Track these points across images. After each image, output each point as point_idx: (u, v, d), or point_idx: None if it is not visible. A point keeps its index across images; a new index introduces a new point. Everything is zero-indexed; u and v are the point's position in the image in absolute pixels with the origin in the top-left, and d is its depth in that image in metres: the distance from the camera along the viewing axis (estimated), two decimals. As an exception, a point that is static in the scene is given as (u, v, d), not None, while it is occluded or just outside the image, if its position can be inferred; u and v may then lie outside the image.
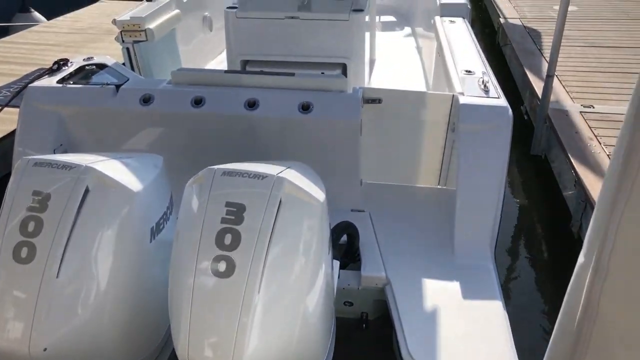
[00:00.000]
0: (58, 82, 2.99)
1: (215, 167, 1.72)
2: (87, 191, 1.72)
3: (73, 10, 6.43)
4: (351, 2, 4.37)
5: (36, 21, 6.36)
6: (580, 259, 1.04)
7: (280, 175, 1.70)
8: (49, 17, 6.26)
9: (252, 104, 2.78)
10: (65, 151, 2.92)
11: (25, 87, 2.98)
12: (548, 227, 4.44)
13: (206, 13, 5.33)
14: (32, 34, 5.60)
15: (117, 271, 1.78)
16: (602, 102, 4.92)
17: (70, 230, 1.66)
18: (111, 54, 4.59)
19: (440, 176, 3.10)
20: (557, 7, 7.22)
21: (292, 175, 1.75)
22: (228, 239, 1.59)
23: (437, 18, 4.26)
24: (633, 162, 0.85)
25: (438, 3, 4.48)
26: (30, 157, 1.79)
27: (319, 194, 1.78)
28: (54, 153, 2.85)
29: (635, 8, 8.18)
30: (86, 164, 1.77)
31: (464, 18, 4.24)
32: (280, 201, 1.64)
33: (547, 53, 5.67)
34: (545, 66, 5.25)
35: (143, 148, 2.95)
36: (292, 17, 4.24)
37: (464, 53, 3.46)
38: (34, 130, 2.91)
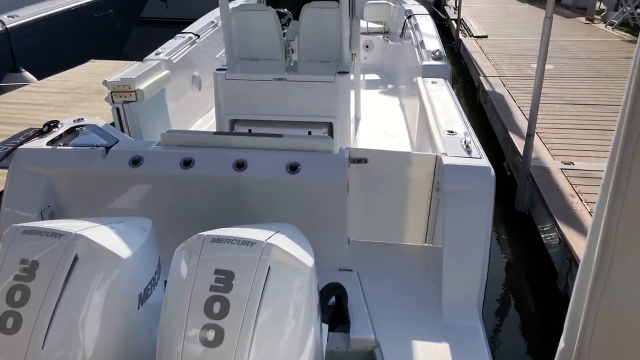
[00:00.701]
0: (48, 143, 3.01)
1: (205, 233, 1.74)
2: (76, 259, 1.72)
3: (64, 69, 6.55)
4: (336, 65, 4.52)
5: (27, 81, 6.46)
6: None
7: (269, 241, 1.71)
8: (39, 77, 6.36)
9: (240, 165, 2.81)
10: (52, 213, 2.91)
11: (14, 148, 2.99)
12: (535, 285, 4.45)
13: (195, 73, 5.46)
14: (22, 94, 5.67)
15: (104, 339, 1.75)
16: (582, 159, 5.06)
17: (57, 299, 1.65)
18: (101, 113, 4.66)
19: (426, 234, 3.13)
20: (534, 66, 7.51)
21: (281, 241, 1.77)
22: (217, 307, 1.59)
23: (419, 79, 4.41)
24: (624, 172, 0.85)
25: (420, 64, 4.64)
26: (19, 224, 1.79)
27: (308, 259, 1.80)
28: (41, 215, 2.84)
29: (607, 66, 8.55)
30: (76, 231, 1.77)
31: (445, 79, 4.39)
32: (269, 268, 1.65)
33: (526, 110, 5.84)
34: (525, 123, 5.40)
35: (132, 209, 2.95)
36: (280, 79, 4.35)
37: (445, 114, 3.56)
38: (22, 192, 2.91)
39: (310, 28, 4.74)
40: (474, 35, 11.45)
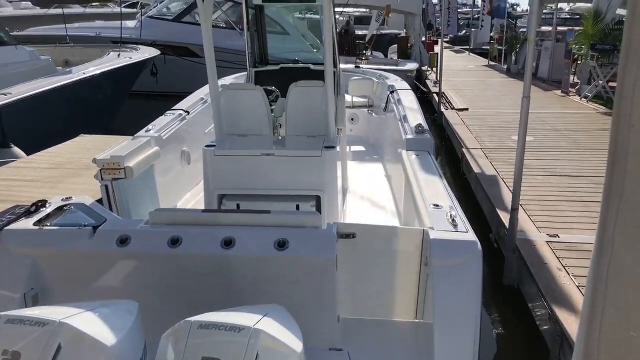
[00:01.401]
0: (35, 224, 2.99)
1: (192, 319, 1.72)
2: (59, 348, 1.68)
3: (54, 145, 6.61)
4: (323, 140, 4.62)
5: (16, 157, 6.49)
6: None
7: (256, 327, 1.70)
8: (29, 153, 6.41)
9: (228, 243, 2.81)
10: (36, 295, 2.85)
11: (0, 229, 2.97)
12: (528, 361, 4.38)
13: (185, 148, 5.55)
14: (10, 170, 5.69)
15: None
16: (567, 232, 5.12)
17: None
18: (90, 189, 4.67)
19: (417, 310, 3.11)
20: (515, 138, 7.73)
21: (269, 325, 1.75)
22: None
23: (404, 152, 4.52)
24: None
25: (404, 138, 4.77)
26: (2, 314, 1.76)
27: (296, 344, 1.78)
28: (24, 298, 2.78)
29: (585, 138, 8.83)
30: (60, 319, 1.75)
31: (429, 152, 4.49)
32: (258, 354, 1.63)
33: (509, 182, 5.97)
34: (509, 195, 5.51)
35: (119, 290, 2.90)
36: (268, 155, 4.43)
37: (431, 187, 3.62)
38: (6, 275, 2.86)
39: (297, 105, 4.88)
40: (456, 108, 11.84)
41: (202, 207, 4.64)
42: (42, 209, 3.19)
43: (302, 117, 4.87)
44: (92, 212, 3.17)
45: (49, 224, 3.01)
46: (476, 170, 7.20)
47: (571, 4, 32.20)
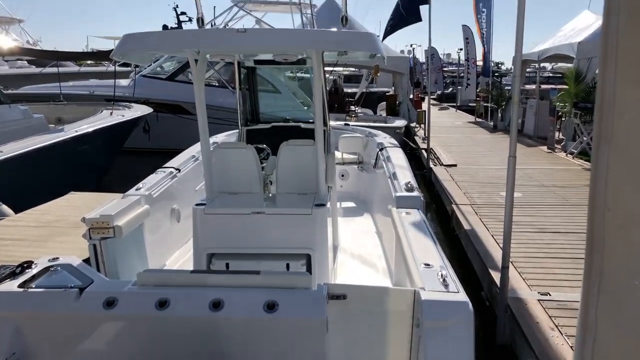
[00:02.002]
0: (19, 286, 2.95)
1: None
2: None
3: (43, 202, 6.58)
4: (313, 197, 4.65)
5: (4, 215, 6.43)
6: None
7: None
8: (17, 210, 6.37)
9: (217, 305, 2.78)
10: (17, 361, 2.77)
11: (-16, 291, 2.91)
12: None
13: (175, 205, 5.54)
14: (-3, 228, 5.65)
15: None
16: (557, 289, 5.11)
17: None
18: (78, 248, 4.62)
19: None
20: (503, 194, 7.78)
21: None
22: None
23: (394, 210, 4.54)
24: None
25: (393, 195, 4.81)
26: None
27: None
28: (5, 362, 2.71)
29: (572, 194, 8.94)
30: None
31: (418, 209, 4.52)
32: None
33: (499, 238, 5.98)
34: (499, 252, 5.50)
35: (104, 354, 2.84)
36: (258, 212, 4.44)
37: (421, 246, 3.63)
38: None
39: (287, 163, 4.94)
40: (444, 164, 12.01)
41: (191, 266, 4.60)
42: (27, 270, 3.15)
43: (292, 174, 4.92)
44: (78, 273, 3.13)
45: (33, 286, 2.97)
46: (466, 226, 7.23)
47: (553, 64, 33.35)
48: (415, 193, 4.79)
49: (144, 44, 3.93)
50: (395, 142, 7.77)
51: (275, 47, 4.03)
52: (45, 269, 3.17)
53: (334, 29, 4.41)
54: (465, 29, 23.96)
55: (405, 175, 5.43)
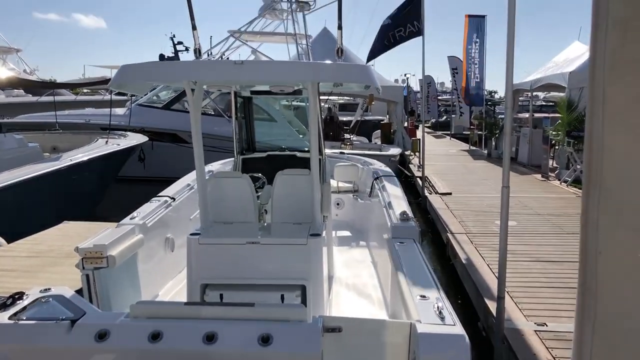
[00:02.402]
0: (10, 317, 2.91)
1: None
2: None
3: (36, 231, 6.54)
4: (309, 227, 4.64)
5: (-4, 245, 6.41)
6: None
7: None
8: (9, 240, 6.32)
9: (210, 338, 2.74)
10: (4, 396, 2.72)
11: (-25, 325, 2.87)
12: None
13: (169, 235, 5.51)
14: (-11, 258, 5.59)
15: None
16: (554, 320, 5.07)
17: None
18: (70, 278, 4.58)
19: None
20: (498, 222, 7.75)
21: None
22: None
23: (389, 240, 4.53)
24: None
25: (389, 225, 4.80)
26: None
27: None
28: (-9, 400, 2.65)
29: (567, 223, 8.95)
30: None
31: (414, 240, 4.51)
32: None
33: (495, 267, 5.96)
34: (495, 282, 5.47)
35: None
36: (253, 242, 4.42)
37: (417, 277, 3.61)
38: None
39: (283, 192, 4.94)
40: (439, 192, 12.04)
41: (185, 296, 4.55)
42: (18, 301, 3.11)
43: (287, 204, 4.92)
44: (70, 305, 3.09)
45: (24, 318, 2.93)
46: (461, 255, 7.21)
47: (545, 93, 33.79)
48: (411, 223, 4.79)
49: (141, 75, 3.97)
50: (390, 171, 7.80)
51: (271, 79, 4.09)
52: (37, 300, 3.14)
53: (329, 61, 4.47)
54: (452, 59, 24.37)
55: (400, 204, 5.43)
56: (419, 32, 11.82)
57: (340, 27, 5.01)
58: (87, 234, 4.57)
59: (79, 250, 4.06)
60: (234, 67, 3.72)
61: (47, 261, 5.43)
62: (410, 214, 5.01)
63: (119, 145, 10.97)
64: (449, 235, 8.25)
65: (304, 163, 6.30)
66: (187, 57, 26.05)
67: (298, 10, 18.84)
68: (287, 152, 7.32)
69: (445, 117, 36.41)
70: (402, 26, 11.83)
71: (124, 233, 4.48)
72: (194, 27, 4.92)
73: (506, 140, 4.58)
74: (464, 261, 6.99)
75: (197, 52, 5.24)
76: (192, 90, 4.40)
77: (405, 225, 4.74)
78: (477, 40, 21.09)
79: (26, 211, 7.97)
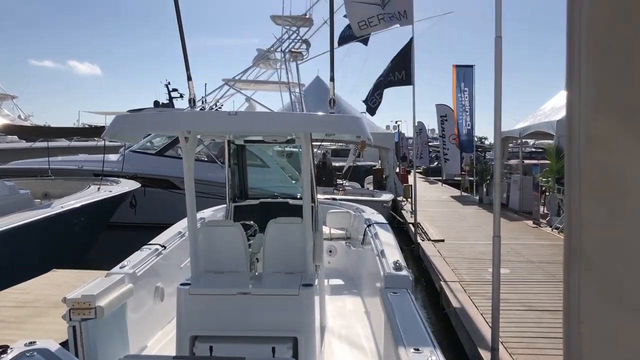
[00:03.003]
0: None
1: None
2: None
3: (24, 280, 6.44)
4: (301, 277, 4.61)
5: (-18, 294, 6.28)
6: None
7: None
8: (-4, 289, 6.22)
9: None
10: None
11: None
12: None
13: (159, 284, 5.45)
14: (-27, 308, 5.47)
15: None
16: (550, 372, 5.00)
17: None
18: (57, 329, 4.49)
19: None
20: (491, 270, 7.71)
21: None
22: None
23: (382, 289, 4.49)
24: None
25: (382, 274, 4.77)
26: None
27: None
28: None
29: (560, 270, 8.85)
30: None
31: (407, 290, 4.47)
32: None
33: (488, 317, 5.89)
34: (488, 331, 5.42)
35: None
36: (244, 293, 4.37)
37: (410, 330, 3.57)
38: None
39: (275, 241, 4.92)
40: (432, 239, 12.03)
41: (174, 347, 4.46)
42: (2, 356, 3.03)
43: (279, 253, 4.90)
44: (56, 359, 3.02)
45: None
46: (455, 304, 7.15)
47: (534, 140, 34.32)
48: (404, 272, 4.75)
49: (136, 125, 4.02)
50: (382, 218, 7.80)
51: (264, 130, 4.15)
52: (21, 355, 3.06)
53: (321, 113, 4.55)
54: (440, 107, 24.87)
55: (393, 253, 5.42)
56: (408, 80, 12.09)
57: (332, 79, 5.13)
58: (76, 283, 4.52)
59: (67, 301, 4.00)
60: (227, 117, 3.78)
61: (34, 311, 5.33)
62: (403, 263, 4.98)
63: (111, 192, 10.96)
64: (442, 283, 8.20)
65: (297, 211, 6.30)
66: (181, 103, 26.37)
67: (291, 60, 19.28)
68: (280, 200, 7.33)
69: (436, 162, 36.71)
70: (391, 74, 12.13)
71: (113, 282, 4.43)
72: (189, 78, 5.01)
73: (496, 190, 4.63)
74: (457, 310, 6.92)
75: (192, 101, 5.33)
76: (186, 139, 4.45)
77: (398, 274, 4.71)
78: (466, 89, 21.60)
79: (15, 259, 7.87)
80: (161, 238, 6.08)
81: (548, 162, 14.97)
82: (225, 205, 7.45)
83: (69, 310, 4.01)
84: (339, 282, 7.40)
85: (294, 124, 4.13)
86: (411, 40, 11.93)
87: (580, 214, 0.75)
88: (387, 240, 6.10)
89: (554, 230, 13.19)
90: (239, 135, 5.69)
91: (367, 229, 7.08)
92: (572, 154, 0.78)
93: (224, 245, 4.91)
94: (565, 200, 0.81)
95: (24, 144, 20.56)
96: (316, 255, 5.04)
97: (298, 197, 7.64)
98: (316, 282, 4.66)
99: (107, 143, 15.62)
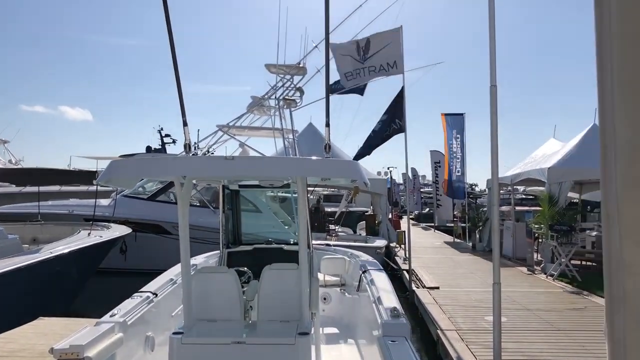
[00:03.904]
0: None
1: None
2: None
3: (9, 328, 6.23)
4: (297, 325, 4.49)
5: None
6: None
7: None
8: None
9: None
10: None
11: None
12: None
13: (149, 333, 5.29)
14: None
15: None
16: None
17: None
18: (41, 381, 4.31)
19: None
20: (488, 318, 7.60)
21: None
22: None
23: (380, 338, 4.37)
24: None
25: (379, 322, 4.66)
26: None
27: None
28: None
29: (557, 319, 8.80)
30: None
31: (405, 338, 4.36)
32: None
33: (488, 368, 5.75)
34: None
35: None
36: (239, 342, 4.25)
37: None
38: None
39: (270, 288, 4.83)
40: (426, 286, 11.87)
41: None
42: None
43: (274, 300, 4.79)
44: None
45: None
46: (453, 354, 6.98)
47: (524, 187, 34.63)
48: (402, 320, 4.65)
49: (132, 170, 3.99)
50: (378, 264, 7.71)
51: (262, 174, 4.13)
52: None
53: (316, 157, 4.56)
54: (434, 153, 25.10)
55: (390, 299, 5.32)
56: (401, 129, 12.24)
57: (327, 124, 5.17)
58: (64, 332, 4.37)
59: (54, 352, 3.85)
60: (224, 162, 3.77)
61: (17, 362, 5.13)
62: (401, 310, 4.89)
63: (101, 237, 10.80)
64: (439, 332, 8.03)
65: (291, 256, 6.21)
66: (173, 148, 26.46)
67: (285, 107, 19.51)
68: (274, 245, 7.24)
69: (428, 209, 36.79)
70: (386, 126, 12.28)
71: (103, 332, 4.29)
72: (185, 124, 5.02)
73: (495, 237, 4.60)
74: (455, 360, 6.76)
75: (187, 147, 5.32)
76: (181, 184, 4.41)
77: (397, 322, 4.61)
78: (458, 136, 21.87)
79: (0, 306, 7.63)
80: (152, 285, 5.95)
81: (540, 208, 15.02)
82: (217, 251, 7.35)
83: None
84: (334, 330, 7.23)
85: (291, 168, 4.11)
86: (402, 89, 12.15)
87: (620, 257, 0.72)
88: (383, 286, 6.01)
89: (548, 277, 13.10)
90: (235, 180, 5.67)
91: (362, 275, 6.98)
92: (609, 197, 0.76)
93: (218, 293, 4.81)
94: (604, 244, 0.78)
95: (13, 189, 20.39)
96: (312, 302, 4.93)
97: (292, 242, 7.57)
98: (312, 330, 4.55)
99: (99, 188, 15.54)
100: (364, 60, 12.07)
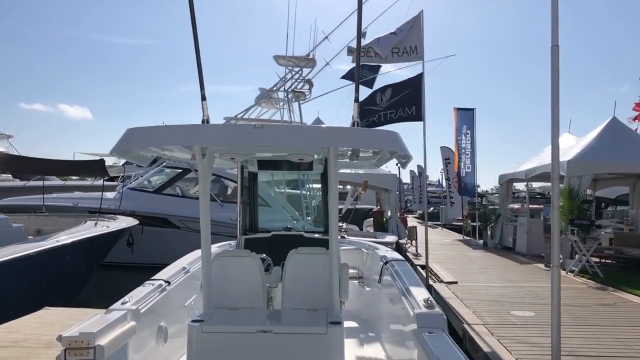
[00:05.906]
0: None
1: None
2: None
3: (14, 318, 5.87)
4: (325, 314, 4.12)
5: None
6: None
7: None
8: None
9: None
10: None
11: None
12: None
13: (162, 323, 4.90)
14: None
15: None
16: None
17: None
18: (47, 373, 3.93)
19: None
20: (514, 312, 7.17)
21: None
22: None
23: (415, 331, 3.96)
24: None
25: (412, 313, 4.24)
26: None
27: None
28: None
29: (586, 313, 8.41)
30: None
31: (443, 329, 3.96)
32: None
33: (524, 362, 5.37)
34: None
35: None
36: (264, 331, 3.88)
37: None
38: None
39: (296, 274, 4.46)
40: (444, 281, 11.48)
41: None
42: None
43: (301, 287, 4.42)
44: None
45: None
46: (485, 349, 6.57)
47: (534, 183, 34.21)
48: (438, 310, 4.23)
49: (152, 138, 3.57)
50: (399, 255, 7.30)
51: (292, 142, 3.70)
52: None
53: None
54: (445, 149, 24.62)
55: (420, 290, 4.90)
56: (419, 116, 11.79)
57: (357, 100, 4.71)
58: (69, 322, 4.00)
59: (62, 340, 3.45)
60: (253, 130, 3.38)
61: (22, 352, 4.74)
62: (434, 301, 4.47)
63: (108, 227, 10.43)
64: (465, 326, 7.61)
65: (313, 243, 5.82)
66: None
67: (294, 99, 19.19)
68: (294, 232, 6.86)
69: (432, 208, 36.31)
70: (400, 109, 11.81)
71: (115, 320, 3.89)
72: (203, 98, 4.59)
73: (554, 215, 4.19)
74: (489, 355, 6.34)
75: (206, 122, 4.91)
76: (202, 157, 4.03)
77: (433, 313, 4.18)
78: (468, 131, 21.46)
79: (3, 295, 7.25)
80: (165, 274, 5.55)
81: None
82: (228, 242, 6.97)
83: (64, 350, 3.46)
84: (353, 324, 6.82)
85: (324, 137, 3.67)
86: (421, 75, 11.72)
87: None
88: (410, 277, 5.59)
89: (568, 273, 12.66)
90: (259, 154, 5.25)
91: (383, 266, 6.57)
92: None
93: (239, 279, 4.45)
94: None
95: (18, 183, 20.08)
96: (342, 290, 4.55)
97: (308, 231, 7.20)
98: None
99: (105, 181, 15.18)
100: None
